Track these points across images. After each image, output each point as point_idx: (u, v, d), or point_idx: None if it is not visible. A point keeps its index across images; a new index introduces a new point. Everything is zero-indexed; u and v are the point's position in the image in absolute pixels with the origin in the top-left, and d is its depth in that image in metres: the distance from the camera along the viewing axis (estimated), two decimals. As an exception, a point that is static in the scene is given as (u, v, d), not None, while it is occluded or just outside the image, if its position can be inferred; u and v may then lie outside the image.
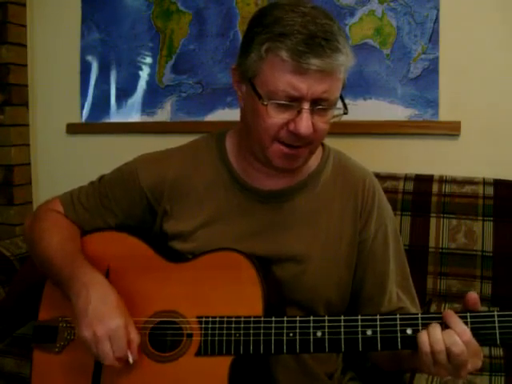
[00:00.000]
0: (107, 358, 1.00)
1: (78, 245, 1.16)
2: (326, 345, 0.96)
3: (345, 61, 0.97)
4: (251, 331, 0.99)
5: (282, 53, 0.94)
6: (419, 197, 1.73)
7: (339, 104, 1.02)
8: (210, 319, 1.02)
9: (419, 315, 0.93)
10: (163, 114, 2.24)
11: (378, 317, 0.94)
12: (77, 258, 1.10)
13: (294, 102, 0.97)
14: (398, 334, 0.92)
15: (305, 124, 0.97)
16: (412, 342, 0.91)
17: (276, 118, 0.98)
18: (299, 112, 0.97)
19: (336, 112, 1.02)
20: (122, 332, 1.00)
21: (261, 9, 1.04)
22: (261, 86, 0.98)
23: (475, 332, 0.88)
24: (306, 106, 0.97)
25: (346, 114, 1.02)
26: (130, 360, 1.01)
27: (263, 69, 0.97)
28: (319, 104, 0.98)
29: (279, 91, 0.96)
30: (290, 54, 0.93)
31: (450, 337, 0.88)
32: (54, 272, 1.11)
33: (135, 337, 1.02)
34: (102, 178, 1.25)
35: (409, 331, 0.92)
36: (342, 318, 0.96)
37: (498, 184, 1.69)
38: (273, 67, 0.96)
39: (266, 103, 0.97)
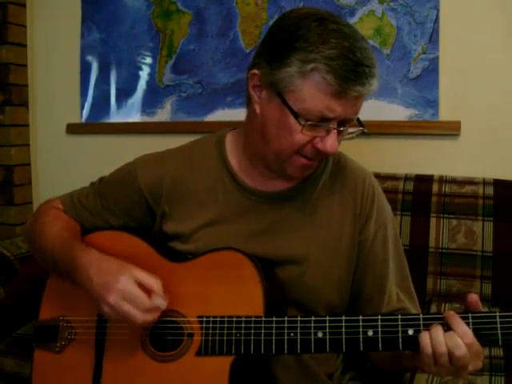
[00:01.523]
0: (135, 317, 0.97)
1: (75, 233, 1.16)
2: (327, 345, 0.95)
3: (377, 84, 0.98)
4: (252, 331, 0.99)
5: (328, 76, 0.93)
6: (419, 197, 1.72)
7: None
8: (211, 319, 1.02)
9: (420, 316, 0.92)
10: (163, 114, 2.24)
11: (379, 317, 0.94)
12: (74, 244, 1.10)
13: (323, 122, 0.98)
14: (400, 335, 0.92)
15: (333, 143, 0.99)
16: (413, 343, 0.91)
17: (306, 135, 0.99)
18: (328, 131, 0.99)
19: (352, 129, 1.04)
20: (131, 286, 0.98)
21: (291, 16, 1.01)
22: (294, 101, 0.97)
23: (477, 333, 0.88)
24: (335, 126, 0.98)
25: (364, 132, 1.04)
26: (162, 305, 0.98)
27: (302, 86, 0.96)
28: (345, 124, 1.00)
29: (315, 111, 0.96)
30: (338, 79, 0.93)
31: (453, 339, 0.87)
32: (56, 263, 1.11)
33: (151, 281, 0.99)
34: (102, 179, 1.25)
35: (410, 332, 0.91)
36: (343, 318, 0.95)
37: (498, 184, 1.69)
38: (314, 87, 0.95)
39: (303, 123, 0.97)
